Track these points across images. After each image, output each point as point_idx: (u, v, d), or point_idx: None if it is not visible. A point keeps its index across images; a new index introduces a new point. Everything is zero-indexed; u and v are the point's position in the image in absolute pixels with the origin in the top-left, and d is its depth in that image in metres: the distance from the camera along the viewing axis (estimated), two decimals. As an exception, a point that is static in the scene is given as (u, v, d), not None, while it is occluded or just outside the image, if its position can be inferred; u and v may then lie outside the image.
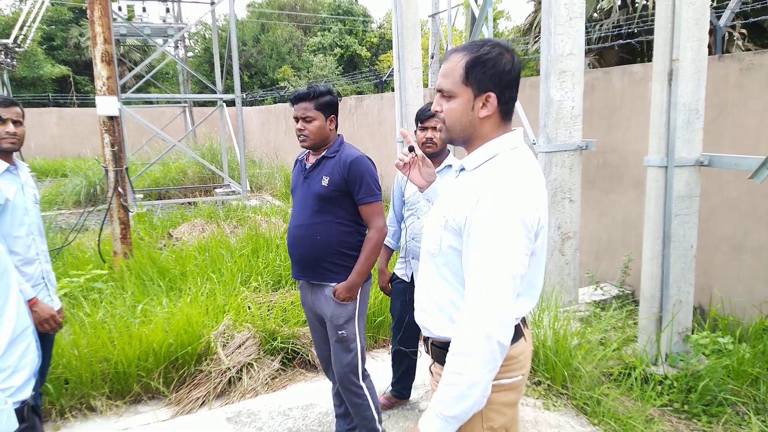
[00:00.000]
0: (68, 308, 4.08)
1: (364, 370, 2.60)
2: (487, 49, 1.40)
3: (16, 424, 1.19)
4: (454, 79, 1.42)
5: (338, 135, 2.59)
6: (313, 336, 2.77)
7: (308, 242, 2.48)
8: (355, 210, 2.49)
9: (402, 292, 3.00)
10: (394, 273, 3.08)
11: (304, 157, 2.63)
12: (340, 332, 2.50)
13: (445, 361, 1.49)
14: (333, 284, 2.49)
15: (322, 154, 2.50)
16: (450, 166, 2.85)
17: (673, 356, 3.42)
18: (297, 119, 2.47)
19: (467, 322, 1.34)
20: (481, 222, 1.35)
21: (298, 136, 2.48)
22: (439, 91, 1.47)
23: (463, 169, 1.51)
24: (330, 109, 2.48)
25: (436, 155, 2.82)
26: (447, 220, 1.45)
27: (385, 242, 3.13)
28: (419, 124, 2.82)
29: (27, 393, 1.30)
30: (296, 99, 2.45)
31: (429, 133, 2.77)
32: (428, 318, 1.56)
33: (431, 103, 2.78)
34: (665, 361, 3.44)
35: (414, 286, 2.85)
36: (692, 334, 3.51)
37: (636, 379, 3.27)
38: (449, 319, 1.50)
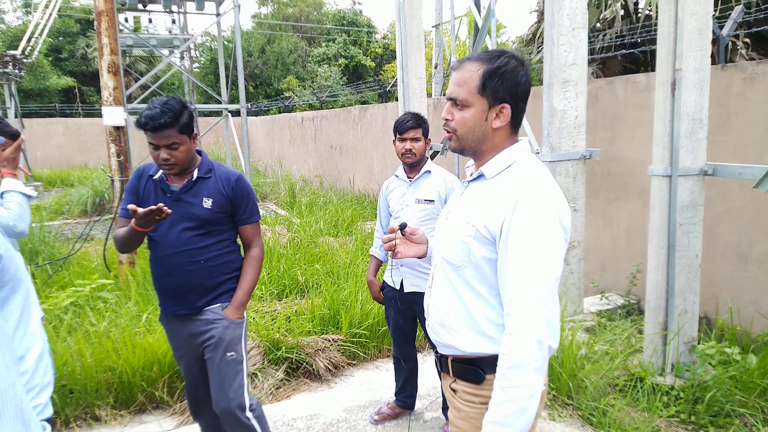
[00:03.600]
0: (73, 317, 4.10)
1: (251, 400, 2.37)
2: (505, 61, 1.40)
3: None
4: (469, 89, 1.42)
5: (199, 150, 2.36)
6: (190, 375, 2.46)
7: (190, 268, 2.25)
8: (235, 230, 2.38)
9: (394, 300, 3.01)
10: (384, 281, 3.09)
11: (163, 176, 2.29)
12: (229, 354, 2.29)
13: (471, 378, 1.49)
14: (216, 305, 2.31)
15: (195, 174, 2.28)
16: (429, 171, 2.91)
17: (680, 366, 3.39)
18: (156, 147, 2.17)
19: (516, 330, 1.31)
20: (523, 225, 1.33)
21: (161, 165, 2.20)
22: (451, 99, 1.46)
23: (479, 177, 1.50)
24: (191, 127, 2.24)
25: (416, 164, 2.90)
26: (477, 228, 1.41)
27: (373, 253, 3.17)
28: (398, 135, 2.86)
29: (50, 410, 1.30)
30: (157, 128, 2.12)
31: (408, 144, 2.83)
32: (452, 336, 1.50)
33: (409, 114, 2.85)
34: (671, 371, 3.42)
35: (404, 293, 2.90)
36: (698, 344, 3.48)
37: (642, 389, 3.25)
38: (481, 335, 1.45)
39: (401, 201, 2.93)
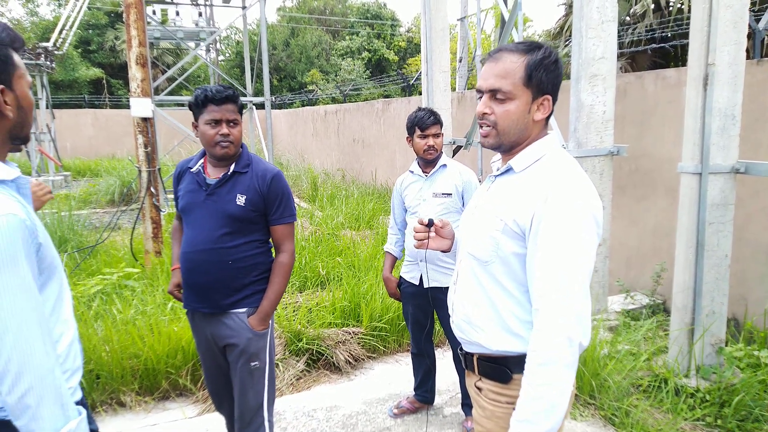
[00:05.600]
0: (101, 305, 4.19)
1: (270, 407, 2.35)
2: (548, 52, 1.39)
3: (88, 431, 1.21)
4: (513, 81, 1.38)
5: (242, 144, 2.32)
6: (209, 369, 2.42)
7: (217, 268, 2.18)
8: (268, 230, 2.29)
9: (413, 296, 3.00)
10: (401, 277, 3.08)
11: (200, 168, 2.25)
12: (253, 364, 2.25)
13: (497, 377, 1.46)
14: (242, 310, 2.23)
15: (232, 168, 2.21)
16: (445, 165, 2.92)
17: (706, 369, 3.32)
18: (216, 122, 2.15)
19: (546, 327, 1.28)
20: (555, 219, 1.29)
21: (219, 143, 2.15)
22: (491, 91, 1.41)
23: (507, 171, 1.47)
24: (242, 113, 2.28)
25: (434, 160, 2.91)
26: (506, 223, 1.38)
27: (388, 250, 3.16)
28: (419, 132, 2.84)
29: (78, 395, 1.33)
30: (223, 99, 2.15)
31: (430, 141, 2.84)
32: (479, 333, 1.47)
33: (427, 111, 2.84)
34: (697, 373, 3.35)
35: (423, 288, 2.88)
36: (726, 346, 3.41)
37: (667, 391, 3.19)
38: (509, 332, 1.42)
39: (418, 196, 2.92)
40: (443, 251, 1.74)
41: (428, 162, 2.91)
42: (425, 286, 2.89)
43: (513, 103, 1.39)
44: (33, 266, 1.15)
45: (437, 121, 2.84)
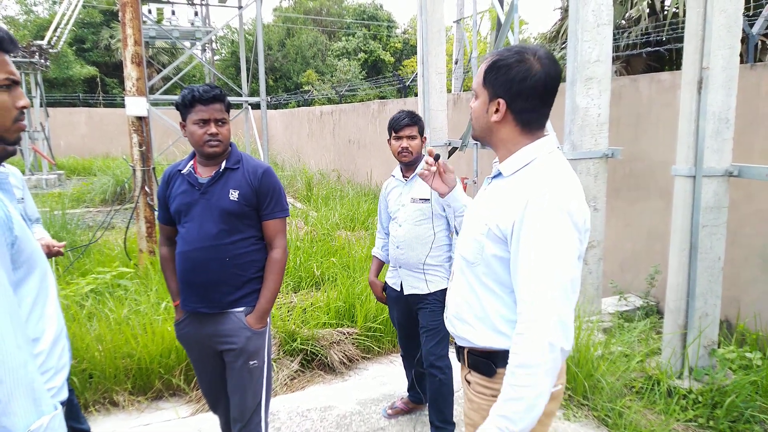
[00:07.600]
0: (94, 304, 4.17)
1: (267, 405, 2.34)
2: (506, 55, 1.39)
3: (65, 428, 1.17)
4: (478, 80, 1.47)
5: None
6: (204, 372, 2.41)
7: (215, 266, 2.17)
8: (261, 226, 2.29)
9: (396, 301, 2.99)
10: (386, 282, 3.06)
11: (190, 170, 2.25)
12: (252, 363, 2.24)
13: (483, 370, 1.52)
14: (240, 309, 2.24)
15: (223, 165, 2.22)
16: None
17: (699, 370, 3.34)
18: (205, 122, 2.16)
19: (527, 331, 1.31)
20: (533, 225, 1.31)
21: (208, 142, 2.16)
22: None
23: (498, 175, 1.49)
24: (230, 111, 2.27)
25: (412, 163, 2.84)
26: (489, 227, 1.42)
27: (375, 254, 3.14)
28: (394, 134, 2.81)
29: (65, 394, 1.30)
30: (210, 99, 2.14)
31: (404, 143, 2.78)
32: (467, 329, 1.53)
33: (405, 112, 2.83)
34: (690, 374, 3.37)
35: (403, 295, 2.88)
36: (719, 348, 3.43)
37: (659, 392, 3.20)
38: (494, 330, 1.47)
39: (398, 201, 2.88)
40: (441, 194, 1.88)
41: (408, 166, 2.86)
42: (405, 293, 2.88)
43: (477, 101, 1.48)
44: (5, 259, 1.11)
45: (412, 123, 2.78)
